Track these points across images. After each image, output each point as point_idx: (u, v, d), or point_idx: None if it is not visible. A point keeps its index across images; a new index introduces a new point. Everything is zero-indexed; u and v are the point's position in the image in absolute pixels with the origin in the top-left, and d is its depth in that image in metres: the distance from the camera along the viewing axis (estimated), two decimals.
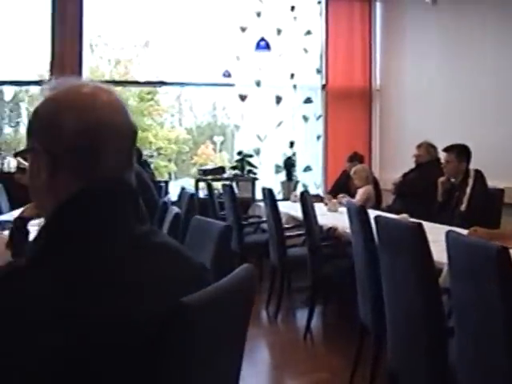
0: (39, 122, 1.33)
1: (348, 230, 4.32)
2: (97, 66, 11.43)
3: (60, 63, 8.35)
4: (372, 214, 3.85)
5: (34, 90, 11.06)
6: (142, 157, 7.66)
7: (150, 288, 1.20)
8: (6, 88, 10.66)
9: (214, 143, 11.78)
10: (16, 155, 1.50)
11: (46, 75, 10.05)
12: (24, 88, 10.76)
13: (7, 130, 11.59)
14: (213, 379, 1.32)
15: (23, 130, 11.35)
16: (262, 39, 7.65)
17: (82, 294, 1.13)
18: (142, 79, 10.26)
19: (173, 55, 9.33)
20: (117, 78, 11.16)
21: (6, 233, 4.20)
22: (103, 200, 1.27)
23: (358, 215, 3.83)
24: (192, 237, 2.82)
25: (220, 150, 11.49)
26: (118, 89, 11.41)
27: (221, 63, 8.87)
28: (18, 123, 11.64)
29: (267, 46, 7.60)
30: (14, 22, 8.76)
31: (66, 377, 1.08)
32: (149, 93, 11.62)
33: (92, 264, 1.18)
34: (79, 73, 8.36)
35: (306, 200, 5.23)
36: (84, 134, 1.27)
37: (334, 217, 5.92)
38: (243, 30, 8.74)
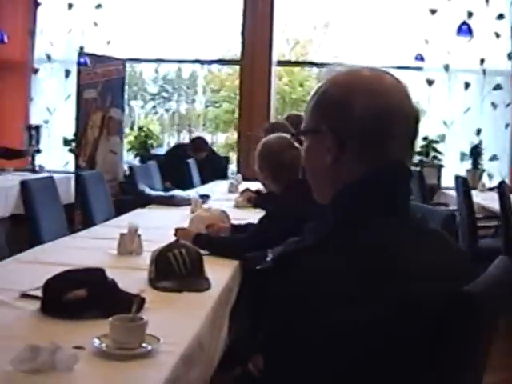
0: (329, 103, 1.32)
1: None
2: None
3: (250, 43, 8.51)
4: None
5: (213, 68, 11.41)
6: None
7: (432, 274, 1.18)
8: (184, 66, 11.00)
9: None
10: (296, 135, 1.49)
11: (227, 55, 10.35)
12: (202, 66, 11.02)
13: (183, 106, 12.00)
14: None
15: (198, 106, 11.73)
16: (464, 23, 7.43)
17: (377, 275, 1.13)
18: (320, 60, 10.27)
19: (353, 37, 9.29)
20: (294, 58, 11.25)
21: (206, 206, 4.38)
22: (386, 186, 1.27)
23: None
24: None
25: None
26: (297, 69, 11.58)
27: (408, 46, 8.73)
28: (193, 100, 12.02)
29: (469, 31, 7.38)
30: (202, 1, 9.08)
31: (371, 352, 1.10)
32: None
33: (379, 248, 1.18)
34: (269, 54, 8.49)
35: (504, 190, 5.06)
36: (374, 119, 1.26)
37: None
38: (433, 12, 8.57)
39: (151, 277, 2.54)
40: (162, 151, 9.24)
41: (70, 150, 8.46)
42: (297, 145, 3.16)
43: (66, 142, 8.61)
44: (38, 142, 8.24)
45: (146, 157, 8.41)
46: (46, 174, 7.12)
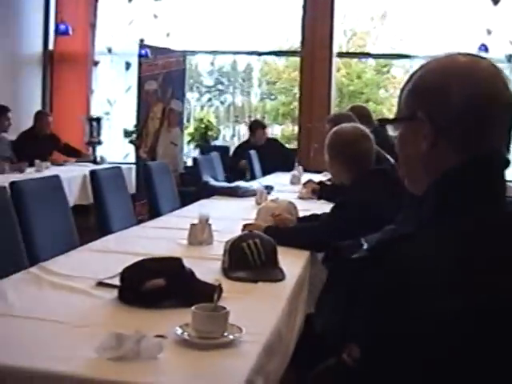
0: (425, 89, 1.28)
1: None
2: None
3: (310, 34, 8.45)
4: None
5: (269, 60, 11.38)
6: None
7: None
8: (239, 58, 10.99)
9: None
10: (387, 122, 1.44)
11: (284, 46, 10.30)
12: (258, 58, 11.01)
13: (239, 98, 12.01)
14: None
15: (254, 99, 11.73)
16: None
17: (480, 262, 1.11)
18: (378, 51, 10.15)
19: (411, 27, 9.13)
20: (352, 50, 11.14)
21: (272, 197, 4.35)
22: (486, 174, 1.23)
23: None
24: None
25: None
26: (354, 61, 11.48)
27: (470, 37, 8.55)
28: (249, 93, 12.02)
29: None
30: None
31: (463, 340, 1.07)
32: (385, 65, 11.52)
33: (475, 237, 1.15)
34: (330, 45, 8.41)
35: None
36: (473, 106, 1.22)
37: None
38: (495, 2, 8.38)
39: (225, 267, 2.53)
40: (218, 143, 9.28)
41: (131, 142, 8.54)
42: (370, 135, 3.12)
43: (127, 134, 8.70)
44: (98, 134, 8.35)
45: (206, 148, 8.45)
46: (107, 165, 7.22)
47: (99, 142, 8.32)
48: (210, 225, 3.10)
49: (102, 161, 7.79)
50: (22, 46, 8.90)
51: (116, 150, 8.88)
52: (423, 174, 1.29)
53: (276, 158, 7.69)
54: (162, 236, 3.28)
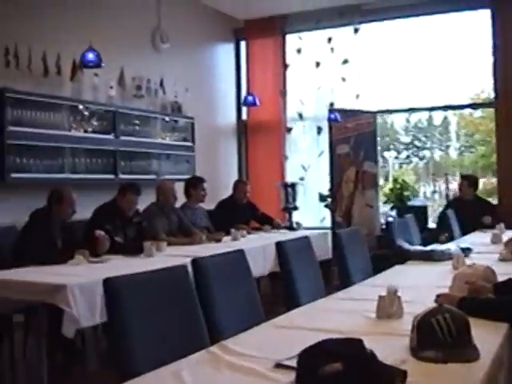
0: None
1: None
2: None
3: (503, 83, 8.02)
4: None
5: (465, 112, 10.98)
6: None
7: None
8: (435, 113, 10.74)
9: None
10: None
11: (480, 96, 9.87)
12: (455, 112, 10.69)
13: (437, 153, 11.70)
14: None
15: (452, 153, 11.35)
16: None
17: None
18: None
19: None
20: None
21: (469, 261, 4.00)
22: None
23: None
24: None
25: None
26: None
27: None
28: (447, 147, 11.68)
29: None
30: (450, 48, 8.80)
31: None
32: None
33: None
34: None
35: None
36: None
37: None
38: None
39: (413, 345, 2.32)
40: (418, 202, 8.98)
41: (326, 206, 8.52)
42: None
43: (322, 198, 8.70)
44: (294, 199, 8.40)
45: (403, 209, 8.20)
46: (303, 231, 7.21)
47: (295, 208, 8.37)
48: (399, 297, 2.90)
49: (298, 227, 7.80)
50: (218, 117, 9.30)
51: (312, 214, 8.90)
52: None
53: (477, 213, 7.29)
54: (349, 309, 3.12)
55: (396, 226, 6.02)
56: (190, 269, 2.89)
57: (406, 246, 5.13)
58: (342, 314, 3.04)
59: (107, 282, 2.33)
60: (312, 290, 3.65)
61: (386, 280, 3.64)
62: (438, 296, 2.97)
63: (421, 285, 3.64)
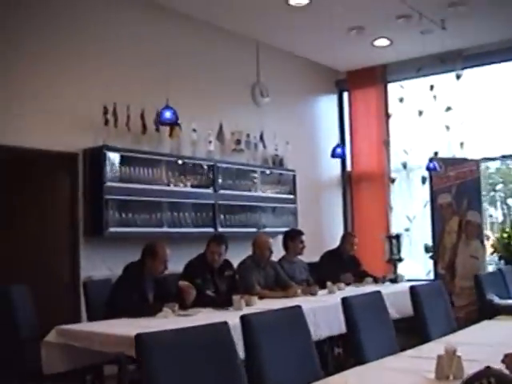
0: None
1: None
2: None
3: None
4: None
5: None
6: None
7: None
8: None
9: None
10: None
11: None
12: None
13: None
14: None
15: None
16: None
17: None
18: None
19: None
20: None
21: None
22: None
23: None
24: None
25: None
26: None
27: None
28: None
29: None
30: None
31: None
32: None
33: None
34: None
35: None
36: None
37: None
38: None
39: None
40: None
41: (431, 257, 8.26)
42: None
43: (427, 249, 8.45)
44: (399, 251, 8.21)
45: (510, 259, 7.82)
46: (405, 284, 7.00)
47: (400, 259, 8.16)
48: (458, 356, 2.74)
49: (401, 279, 7.58)
50: (321, 169, 9.29)
51: (418, 266, 8.64)
52: None
53: None
54: (410, 368, 2.98)
55: (486, 279, 5.72)
56: None
57: (496, 300, 4.88)
58: (402, 373, 2.91)
59: (138, 338, 2.34)
60: (380, 347, 3.52)
61: (466, 336, 3.47)
62: (506, 356, 2.77)
63: (503, 342, 3.42)
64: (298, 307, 3.28)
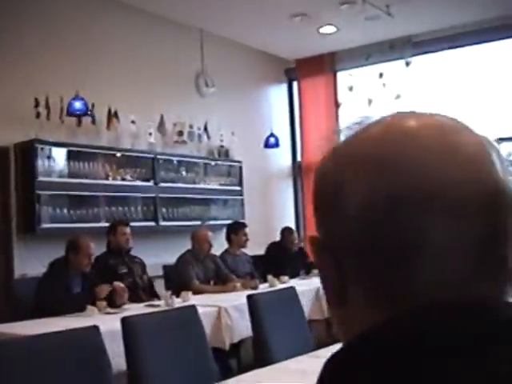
0: (317, 193, 0.72)
1: None
2: None
3: None
4: None
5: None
6: None
7: None
8: None
9: None
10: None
11: None
12: None
13: None
14: None
15: None
16: None
17: None
18: None
19: None
20: None
21: None
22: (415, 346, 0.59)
23: None
24: None
25: None
26: None
27: None
28: None
29: None
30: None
31: None
32: None
33: None
34: None
35: None
36: (379, 214, 0.63)
37: None
38: None
39: None
40: None
41: None
42: None
43: None
44: None
45: None
46: None
47: None
48: None
49: None
50: (270, 160, 9.11)
51: None
52: (342, 333, 0.72)
53: None
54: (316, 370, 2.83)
55: None
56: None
57: None
58: (309, 375, 2.75)
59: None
60: (291, 346, 3.35)
61: None
62: None
63: None
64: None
